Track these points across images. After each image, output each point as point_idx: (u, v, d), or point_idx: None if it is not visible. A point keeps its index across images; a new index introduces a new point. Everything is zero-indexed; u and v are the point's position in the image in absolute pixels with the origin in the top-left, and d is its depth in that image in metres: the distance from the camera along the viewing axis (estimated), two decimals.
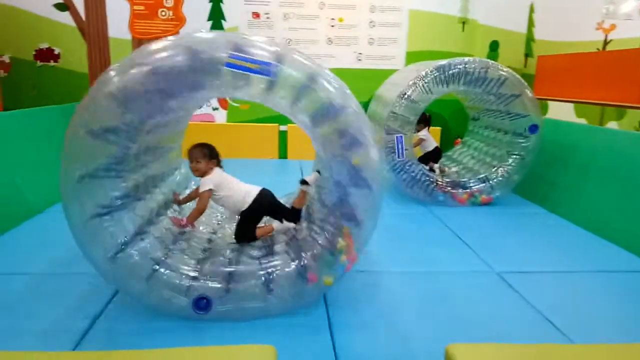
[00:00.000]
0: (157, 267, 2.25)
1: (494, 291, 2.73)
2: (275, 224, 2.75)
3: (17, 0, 5.95)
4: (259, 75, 2.13)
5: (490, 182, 4.44)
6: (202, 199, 2.60)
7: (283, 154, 6.64)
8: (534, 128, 4.29)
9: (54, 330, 2.21)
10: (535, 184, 4.61)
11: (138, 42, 6.18)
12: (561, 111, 5.38)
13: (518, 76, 4.26)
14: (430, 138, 5.05)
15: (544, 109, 5.68)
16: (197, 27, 6.22)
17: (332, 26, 6.45)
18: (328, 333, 2.24)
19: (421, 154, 5.06)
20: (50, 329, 2.21)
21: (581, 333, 2.28)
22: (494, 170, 4.50)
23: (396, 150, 4.27)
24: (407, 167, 4.34)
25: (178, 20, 6.22)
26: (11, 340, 2.12)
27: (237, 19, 6.32)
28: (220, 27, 6.29)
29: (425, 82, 4.19)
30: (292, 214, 2.73)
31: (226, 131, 6.40)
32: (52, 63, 6.16)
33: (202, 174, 2.65)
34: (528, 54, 6.50)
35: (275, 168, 6.03)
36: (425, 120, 5.01)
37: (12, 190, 3.68)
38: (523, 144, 4.35)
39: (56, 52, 6.14)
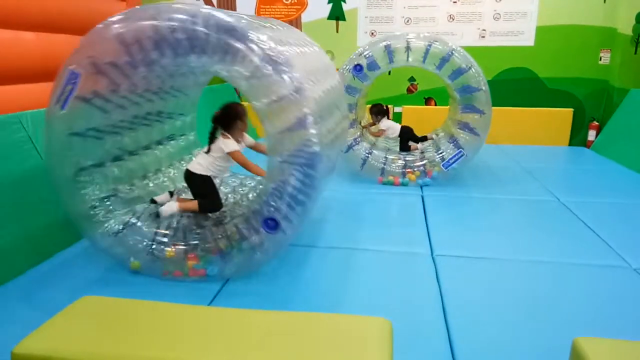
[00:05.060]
0: (122, 227, 2.50)
1: (630, 289, 2.49)
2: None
3: None
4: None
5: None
6: None
7: None
8: (358, 67, 4.08)
9: (192, 286, 2.49)
10: None
11: None
12: None
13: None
14: (393, 125, 4.81)
15: None
16: (318, 9, 6.38)
17: (454, 2, 6.18)
18: (443, 321, 2.21)
19: (383, 142, 5.01)
20: (188, 285, 2.50)
21: None
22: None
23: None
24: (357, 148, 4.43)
25: (300, 5, 6.42)
26: (154, 292, 2.43)
27: (357, 0, 6.34)
28: (340, 9, 6.38)
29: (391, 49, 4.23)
30: None
31: None
32: None
33: None
34: None
35: None
36: (383, 112, 4.82)
37: None
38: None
39: None
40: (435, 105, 6.49)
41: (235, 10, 6.53)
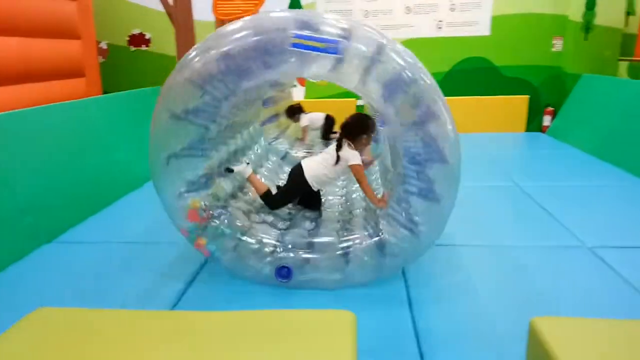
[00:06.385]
0: (242, 237, 2.40)
1: (585, 267, 2.59)
2: None
3: None
4: (326, 54, 2.09)
5: None
6: None
7: None
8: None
9: (153, 292, 2.44)
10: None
11: (221, 23, 6.41)
12: None
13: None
14: (314, 116, 4.89)
15: None
16: (276, 4, 6.31)
17: None
18: (407, 306, 2.26)
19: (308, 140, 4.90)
20: (149, 291, 2.45)
21: None
22: None
23: None
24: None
25: (258, 0, 6.34)
26: (112, 301, 2.37)
27: None
28: (298, 3, 6.34)
29: None
30: None
31: (305, 107, 6.50)
32: (144, 47, 6.59)
33: None
34: (630, 12, 5.88)
35: None
36: (299, 109, 4.93)
37: (116, 166, 4.06)
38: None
39: (147, 37, 6.55)
40: None
41: (191, 9, 6.39)
